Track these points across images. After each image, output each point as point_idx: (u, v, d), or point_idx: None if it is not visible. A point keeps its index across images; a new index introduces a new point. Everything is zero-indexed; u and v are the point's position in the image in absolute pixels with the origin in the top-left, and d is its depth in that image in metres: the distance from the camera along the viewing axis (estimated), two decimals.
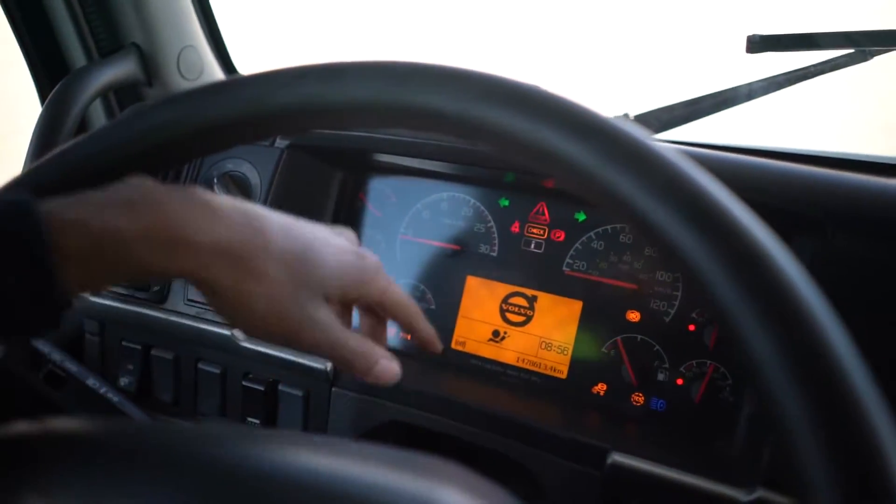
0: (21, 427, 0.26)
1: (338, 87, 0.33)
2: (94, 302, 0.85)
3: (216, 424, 0.76)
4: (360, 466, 0.26)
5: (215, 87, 0.37)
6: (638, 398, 0.73)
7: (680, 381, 0.71)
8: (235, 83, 0.37)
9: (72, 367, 0.57)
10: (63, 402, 0.57)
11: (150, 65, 0.92)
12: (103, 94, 0.93)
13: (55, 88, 0.85)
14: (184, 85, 0.96)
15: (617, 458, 0.61)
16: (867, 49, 0.80)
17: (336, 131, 0.79)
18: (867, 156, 0.71)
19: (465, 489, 0.26)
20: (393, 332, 0.84)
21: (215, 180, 0.80)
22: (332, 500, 0.24)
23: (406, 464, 0.27)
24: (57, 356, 0.58)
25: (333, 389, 0.75)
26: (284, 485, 0.25)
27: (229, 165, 0.81)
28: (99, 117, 0.97)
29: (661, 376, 0.72)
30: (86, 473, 0.24)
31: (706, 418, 0.70)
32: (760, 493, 0.56)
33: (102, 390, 0.57)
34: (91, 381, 0.57)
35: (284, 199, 0.81)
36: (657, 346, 0.73)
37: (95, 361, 0.89)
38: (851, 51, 0.79)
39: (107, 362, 0.89)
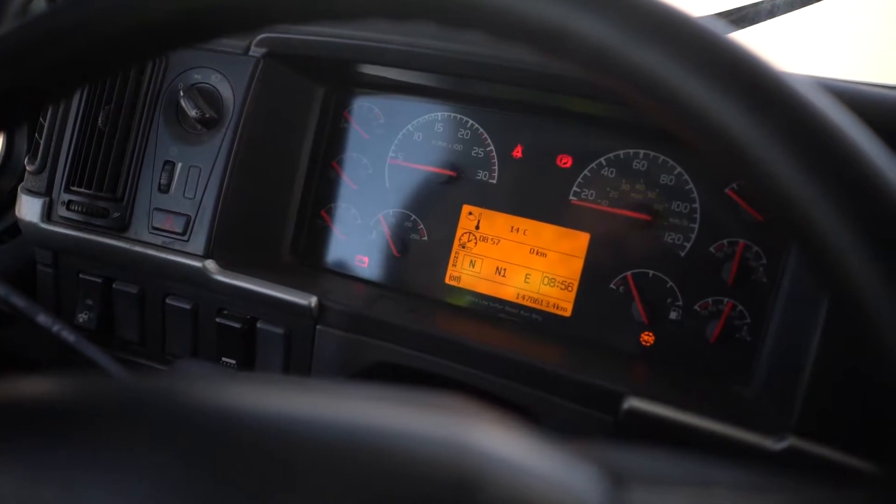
0: None
1: None
2: (46, 229, 0.76)
3: (196, 371, 0.69)
4: (375, 411, 0.22)
5: None
6: (648, 338, 0.68)
7: (694, 320, 0.66)
8: None
9: (18, 302, 0.49)
10: (9, 343, 0.49)
11: None
12: None
13: None
14: None
15: (634, 402, 0.56)
16: None
17: (318, 38, 0.69)
18: None
19: (493, 426, 0.22)
20: (380, 267, 0.77)
21: (181, 93, 0.70)
22: (357, 453, 0.20)
23: (421, 403, 0.23)
24: (0, 290, 0.49)
25: (318, 327, 0.69)
26: (297, 439, 0.20)
27: (196, 76, 0.72)
28: None
29: (673, 314, 0.67)
30: (59, 443, 0.20)
31: (722, 360, 0.65)
32: (791, 441, 0.51)
33: (55, 328, 0.50)
34: (41, 318, 0.49)
35: (260, 117, 0.72)
36: (670, 283, 0.67)
37: (50, 296, 0.81)
38: None
39: (62, 297, 0.81)
